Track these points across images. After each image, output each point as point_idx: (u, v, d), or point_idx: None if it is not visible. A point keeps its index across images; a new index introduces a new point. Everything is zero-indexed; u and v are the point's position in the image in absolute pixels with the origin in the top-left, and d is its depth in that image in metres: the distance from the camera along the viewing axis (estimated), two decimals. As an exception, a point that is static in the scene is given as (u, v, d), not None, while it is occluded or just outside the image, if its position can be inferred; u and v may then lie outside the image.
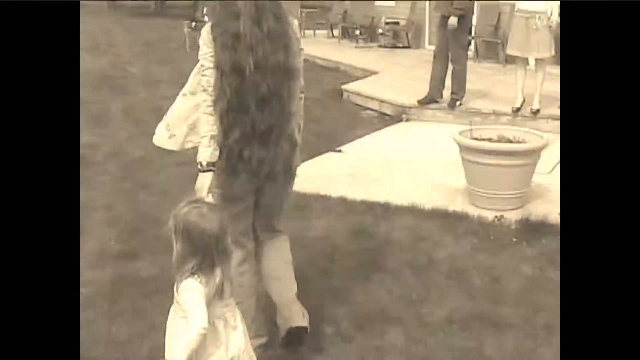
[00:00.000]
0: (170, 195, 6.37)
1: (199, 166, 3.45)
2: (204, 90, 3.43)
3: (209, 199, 3.37)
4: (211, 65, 3.42)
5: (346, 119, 9.83)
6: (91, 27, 22.92)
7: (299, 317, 3.76)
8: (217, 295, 2.97)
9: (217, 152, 3.45)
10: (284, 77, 3.53)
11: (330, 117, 9.82)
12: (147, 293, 4.47)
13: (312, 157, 7.68)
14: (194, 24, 17.58)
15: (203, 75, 3.44)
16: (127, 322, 4.11)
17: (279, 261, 3.91)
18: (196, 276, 2.86)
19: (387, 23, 17.10)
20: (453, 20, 8.86)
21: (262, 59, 3.41)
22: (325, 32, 20.05)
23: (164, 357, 2.98)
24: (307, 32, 20.49)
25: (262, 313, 3.89)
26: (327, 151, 7.92)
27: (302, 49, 3.73)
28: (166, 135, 3.76)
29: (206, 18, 17.20)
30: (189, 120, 3.68)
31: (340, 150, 8.02)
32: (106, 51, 17.13)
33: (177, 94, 3.78)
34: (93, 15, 28.10)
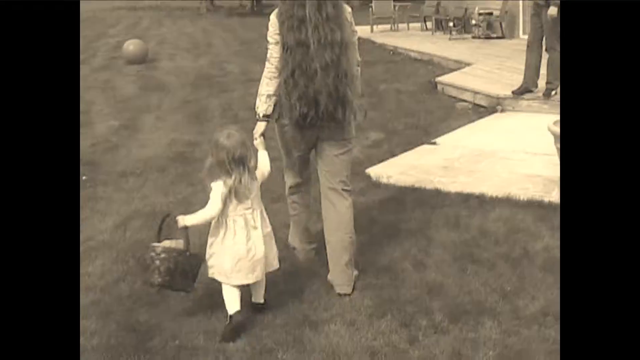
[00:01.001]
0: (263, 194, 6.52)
1: (256, 116, 4.44)
2: (267, 60, 4.41)
3: (261, 140, 4.37)
4: (274, 41, 4.38)
5: (440, 111, 9.79)
6: (190, 29, 23.55)
7: (342, 285, 4.51)
8: (236, 197, 3.98)
9: (272, 107, 4.41)
10: (341, 50, 4.34)
11: (424, 109, 9.81)
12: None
13: (406, 149, 7.71)
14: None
15: (268, 49, 4.41)
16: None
17: (337, 230, 4.58)
18: (220, 180, 3.94)
19: (480, 14, 16.90)
20: (553, 10, 8.68)
21: (323, 37, 4.27)
22: (418, 24, 19.95)
23: None
24: (401, 25, 20.45)
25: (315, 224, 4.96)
26: (421, 143, 7.92)
27: (355, 31, 4.60)
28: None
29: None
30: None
31: (434, 143, 8.01)
32: (205, 51, 17.54)
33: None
34: (192, 18, 28.83)
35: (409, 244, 5.17)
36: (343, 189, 4.58)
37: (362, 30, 19.24)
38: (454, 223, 5.57)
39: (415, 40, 16.65)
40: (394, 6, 20.56)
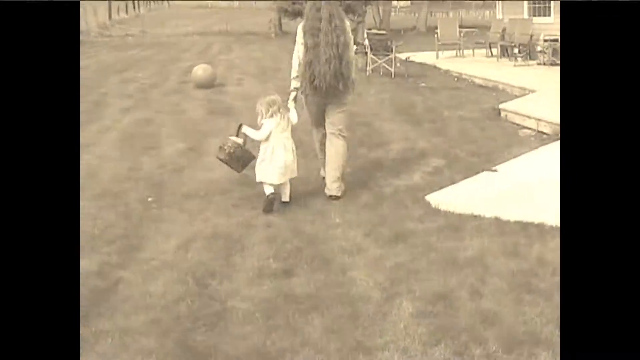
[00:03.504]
0: (326, 215, 6.60)
1: (289, 89, 7.21)
2: (294, 55, 7.12)
3: (292, 104, 7.07)
4: (299, 43, 7.04)
5: (503, 137, 9.75)
6: (259, 54, 23.89)
7: (332, 190, 7.14)
8: (277, 130, 6.71)
9: (298, 84, 7.12)
10: (343, 48, 7.00)
11: (487, 136, 9.78)
12: (301, 310, 4.65)
13: (467, 176, 7.70)
14: (355, 47, 17.92)
15: (298, 49, 7.06)
16: (280, 338, 4.29)
17: (335, 155, 7.22)
18: (268, 120, 6.71)
19: (545, 40, 16.75)
20: None
21: (330, 40, 6.91)
22: (484, 51, 19.87)
23: None
24: (466, 51, 20.39)
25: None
26: (482, 170, 7.90)
27: (352, 37, 7.20)
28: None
29: (366, 41, 17.56)
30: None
31: (495, 170, 7.97)
32: (272, 76, 17.77)
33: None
34: (261, 44, 29.24)
35: (466, 272, 5.17)
36: (339, 134, 7.25)
37: (427, 57, 19.28)
38: (512, 252, 5.54)
39: (480, 66, 16.60)
40: (460, 32, 20.52)
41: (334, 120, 7.20)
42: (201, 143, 9.94)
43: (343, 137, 7.22)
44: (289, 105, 7.02)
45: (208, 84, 15.46)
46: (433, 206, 6.72)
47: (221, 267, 5.39)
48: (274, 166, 6.67)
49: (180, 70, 18.94)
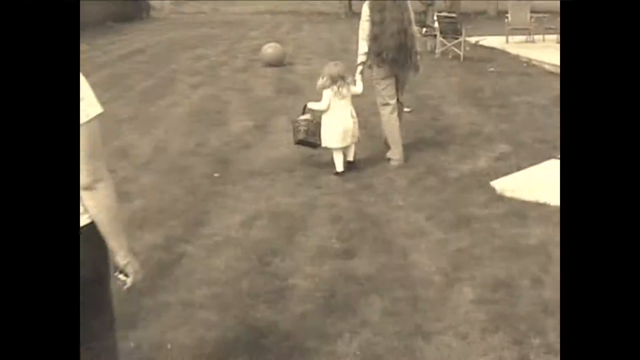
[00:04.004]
0: (390, 197, 6.60)
1: (356, 63, 7.71)
2: (361, 31, 7.58)
3: (359, 76, 7.56)
4: (365, 19, 7.51)
5: (573, 125, 9.54)
6: (328, 34, 23.85)
7: (394, 161, 7.67)
8: (338, 97, 7.23)
9: (365, 58, 7.59)
10: (407, 22, 7.54)
11: (554, 123, 9.59)
12: (362, 291, 4.68)
13: (533, 163, 7.59)
14: (424, 29, 17.78)
15: (363, 26, 7.55)
16: (340, 318, 4.32)
17: (398, 123, 7.74)
18: (329, 89, 7.22)
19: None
20: None
21: (395, 15, 7.45)
22: (554, 37, 19.45)
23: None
24: (537, 37, 20.00)
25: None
26: (549, 158, 7.78)
27: (411, 11, 7.67)
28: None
29: (436, 24, 17.39)
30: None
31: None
32: (339, 57, 17.67)
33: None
34: (331, 23, 29.20)
35: (528, 260, 5.11)
36: (404, 105, 8.11)
37: (497, 41, 18.98)
38: (577, 242, 5.45)
39: (550, 52, 16.23)
40: (531, 17, 20.12)
41: (399, 92, 7.81)
42: (268, 121, 10.02)
43: (408, 107, 8.39)
44: (355, 78, 7.52)
45: (277, 63, 15.53)
46: (498, 192, 6.65)
47: (284, 246, 5.45)
48: (335, 131, 7.23)
49: (249, 49, 19.06)
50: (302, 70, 15.18)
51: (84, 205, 2.50)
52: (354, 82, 7.47)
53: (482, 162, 7.75)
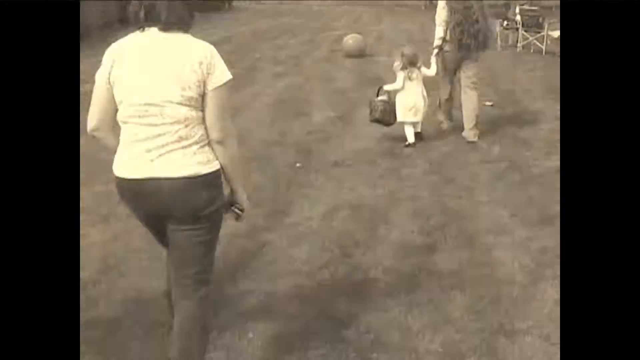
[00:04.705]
0: (473, 192, 6.52)
1: (432, 48, 8.39)
2: (438, 19, 8.21)
3: (434, 59, 8.30)
4: (442, 6, 8.13)
5: None
6: (408, 25, 23.71)
7: (471, 135, 8.28)
8: (410, 79, 8.11)
9: (441, 42, 8.20)
10: (483, 15, 8.19)
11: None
12: (444, 286, 4.62)
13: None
14: (506, 22, 17.47)
15: (440, 13, 8.18)
16: (422, 313, 4.28)
17: (469, 103, 8.35)
18: (402, 71, 8.15)
19: None
20: None
21: (473, 9, 8.09)
22: None
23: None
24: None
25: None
26: None
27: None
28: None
29: (517, 17, 17.08)
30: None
31: None
32: (420, 48, 17.51)
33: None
34: (411, 14, 29.00)
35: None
36: (474, 86, 8.35)
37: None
38: None
39: None
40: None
41: (470, 73, 8.38)
42: (350, 112, 10.01)
43: (476, 88, 8.43)
44: (431, 60, 8.37)
45: (358, 54, 15.51)
46: (584, 190, 6.48)
47: (365, 238, 5.43)
48: (406, 107, 8.13)
49: (331, 39, 19.07)
50: (384, 61, 15.07)
51: (214, 154, 3.13)
52: (426, 65, 8.32)
53: None
